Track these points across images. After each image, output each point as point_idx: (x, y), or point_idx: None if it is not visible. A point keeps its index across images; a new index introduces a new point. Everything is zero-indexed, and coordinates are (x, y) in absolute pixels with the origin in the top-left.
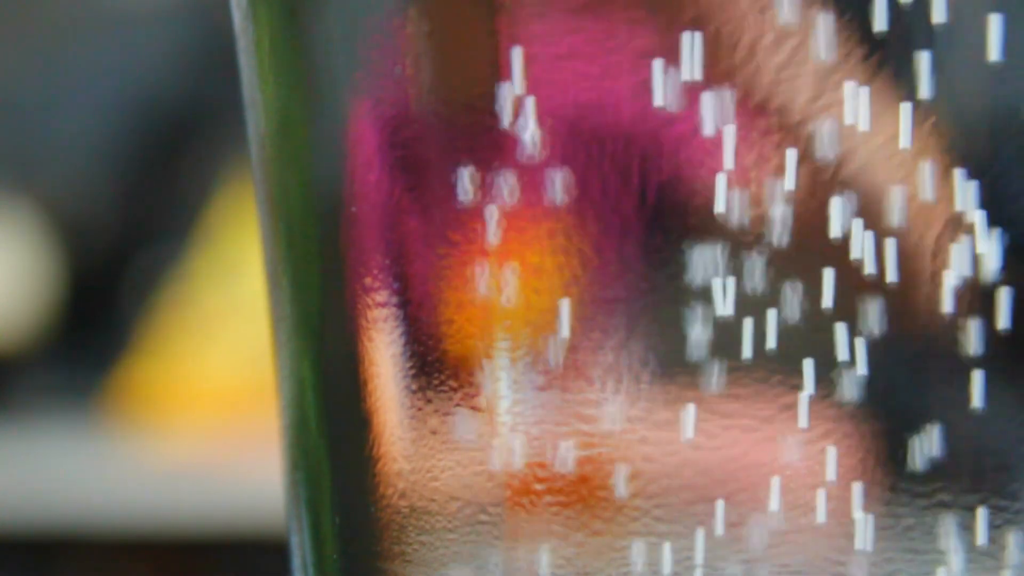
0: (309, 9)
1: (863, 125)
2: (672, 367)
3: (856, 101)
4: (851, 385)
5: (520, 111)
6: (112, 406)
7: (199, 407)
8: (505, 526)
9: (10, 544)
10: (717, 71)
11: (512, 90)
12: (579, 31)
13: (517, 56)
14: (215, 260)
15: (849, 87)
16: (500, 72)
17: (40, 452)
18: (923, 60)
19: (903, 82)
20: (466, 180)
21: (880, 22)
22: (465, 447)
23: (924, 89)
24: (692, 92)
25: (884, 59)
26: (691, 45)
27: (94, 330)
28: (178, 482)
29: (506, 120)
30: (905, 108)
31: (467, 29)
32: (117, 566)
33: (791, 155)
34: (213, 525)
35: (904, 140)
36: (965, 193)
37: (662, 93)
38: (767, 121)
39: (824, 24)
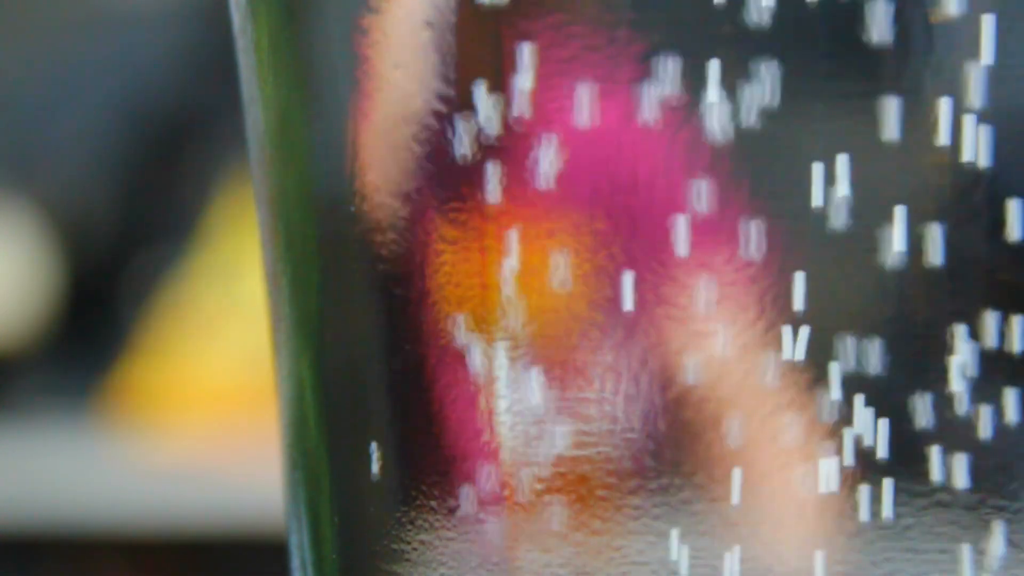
0: (308, 9)
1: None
2: (670, 364)
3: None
4: (852, 384)
5: (521, 110)
6: (111, 406)
7: (198, 407)
8: (505, 525)
9: (8, 543)
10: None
11: (512, 89)
12: (579, 33)
13: (517, 55)
14: (214, 260)
15: None
16: (500, 71)
17: (39, 452)
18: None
19: None
20: (466, 179)
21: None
22: (464, 447)
23: None
24: (684, 102)
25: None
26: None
27: (94, 330)
28: (177, 482)
29: (506, 119)
30: None
31: (466, 28)
32: (116, 566)
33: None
34: (212, 525)
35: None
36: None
37: (660, 98)
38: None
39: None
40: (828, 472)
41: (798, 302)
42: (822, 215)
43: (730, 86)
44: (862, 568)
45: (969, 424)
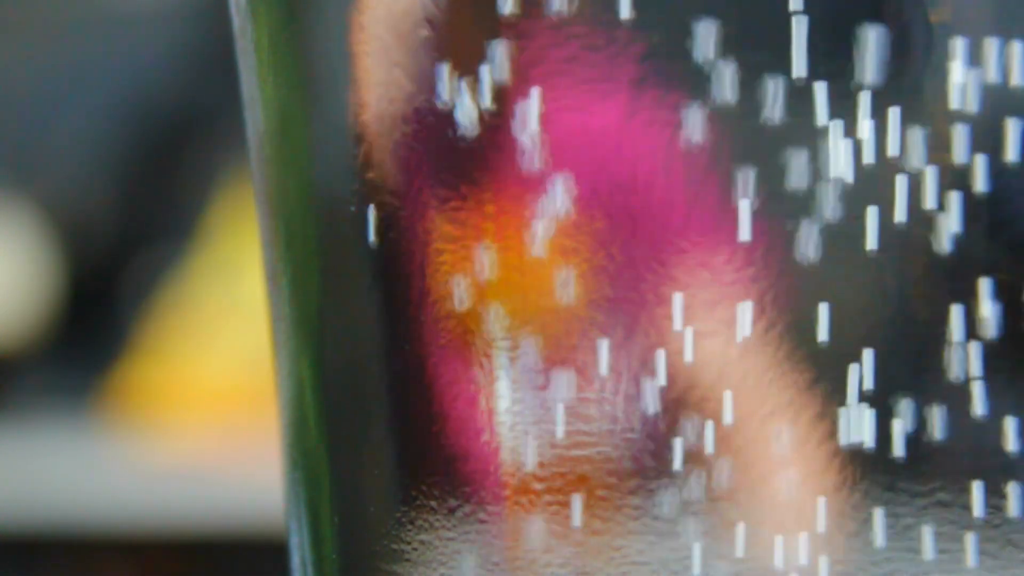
0: (308, 9)
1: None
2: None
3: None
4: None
5: (521, 110)
6: (111, 406)
7: (199, 407)
8: (505, 525)
9: (8, 543)
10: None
11: (511, 89)
12: (579, 33)
13: (516, 55)
14: (215, 260)
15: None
16: (499, 71)
17: (39, 452)
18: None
19: None
20: (466, 178)
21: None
22: (464, 446)
23: None
24: (686, 100)
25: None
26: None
27: (94, 330)
28: (177, 482)
29: (507, 119)
30: None
31: (466, 27)
32: (116, 566)
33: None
34: (212, 525)
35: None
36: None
37: (660, 95)
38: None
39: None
40: (828, 472)
41: (798, 301)
42: (823, 212)
43: (729, 85)
44: (862, 568)
45: (972, 425)
